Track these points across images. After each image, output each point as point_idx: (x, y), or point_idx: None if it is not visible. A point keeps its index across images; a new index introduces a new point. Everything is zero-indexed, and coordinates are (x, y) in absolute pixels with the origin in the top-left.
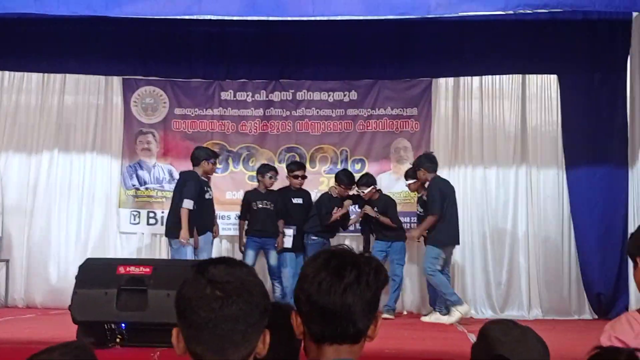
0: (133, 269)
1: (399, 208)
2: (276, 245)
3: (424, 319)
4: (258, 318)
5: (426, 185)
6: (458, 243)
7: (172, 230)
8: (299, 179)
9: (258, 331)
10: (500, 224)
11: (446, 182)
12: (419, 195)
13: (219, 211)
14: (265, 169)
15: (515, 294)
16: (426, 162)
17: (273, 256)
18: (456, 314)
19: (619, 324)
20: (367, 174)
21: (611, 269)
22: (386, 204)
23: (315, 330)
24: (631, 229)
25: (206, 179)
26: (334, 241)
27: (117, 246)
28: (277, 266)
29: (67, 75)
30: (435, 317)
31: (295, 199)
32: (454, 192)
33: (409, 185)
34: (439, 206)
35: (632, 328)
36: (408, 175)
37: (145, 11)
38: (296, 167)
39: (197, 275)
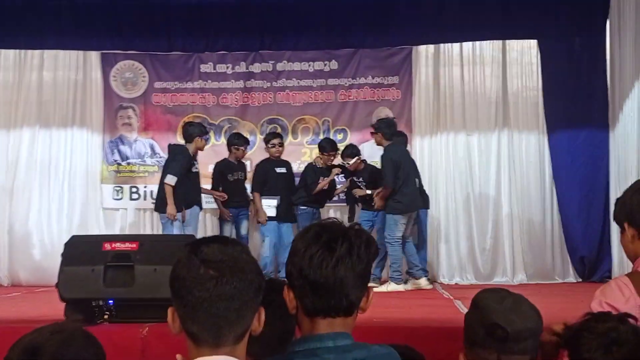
0: (119, 245)
1: None
2: (258, 220)
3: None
4: (252, 296)
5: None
6: (415, 210)
7: (160, 205)
8: (276, 147)
9: (253, 309)
10: (483, 190)
11: (399, 151)
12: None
13: (202, 184)
14: (240, 141)
15: (499, 259)
16: (384, 127)
17: (244, 226)
18: (391, 286)
19: (609, 289)
20: (351, 145)
21: (594, 232)
22: (372, 173)
23: (308, 304)
24: (613, 191)
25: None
26: (323, 211)
27: (100, 222)
28: (247, 236)
29: (45, 51)
30: (412, 283)
31: (279, 169)
32: (409, 159)
33: (349, 165)
34: (392, 178)
35: (623, 293)
36: (346, 154)
37: None
38: (272, 136)
39: (190, 255)
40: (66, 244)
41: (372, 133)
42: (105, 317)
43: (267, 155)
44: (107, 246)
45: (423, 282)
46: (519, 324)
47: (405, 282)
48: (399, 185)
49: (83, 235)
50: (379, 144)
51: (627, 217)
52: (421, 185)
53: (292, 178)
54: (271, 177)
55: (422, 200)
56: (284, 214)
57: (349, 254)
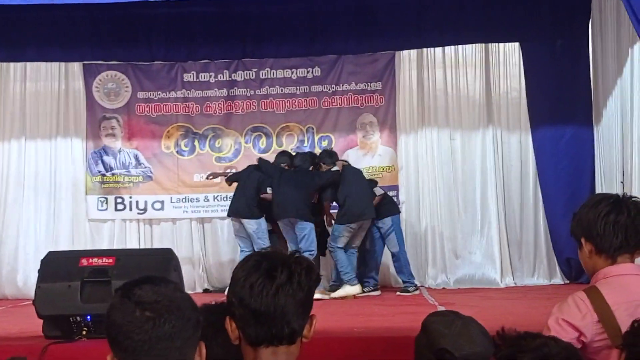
0: (96, 261)
1: None
2: None
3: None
4: (192, 332)
5: None
6: (353, 222)
7: None
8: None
9: (193, 345)
10: (469, 193)
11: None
12: None
13: (186, 194)
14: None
15: (486, 261)
16: (325, 156)
17: None
18: (345, 289)
19: (566, 306)
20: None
21: None
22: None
23: (250, 334)
24: (598, 191)
25: None
26: None
27: (86, 234)
28: None
29: (28, 63)
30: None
31: None
32: (353, 176)
33: None
34: (329, 195)
35: (579, 309)
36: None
37: None
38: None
39: (123, 300)
40: (42, 261)
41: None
42: (84, 333)
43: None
44: (84, 262)
45: (354, 289)
46: (467, 348)
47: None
48: (342, 200)
49: (59, 251)
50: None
51: (584, 232)
52: (385, 195)
53: None
54: None
55: (389, 208)
56: None
57: (289, 281)
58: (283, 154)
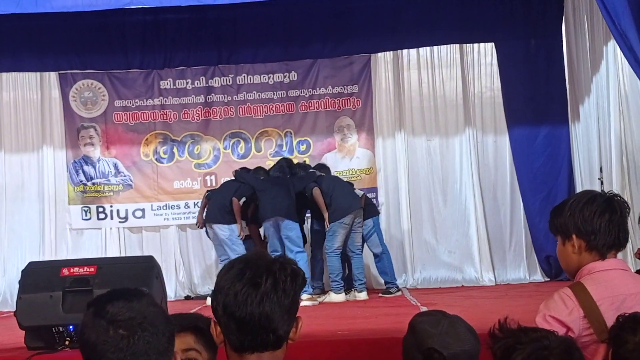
0: (77, 270)
1: None
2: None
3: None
4: (166, 345)
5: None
6: (344, 216)
7: None
8: None
9: (168, 358)
10: (448, 193)
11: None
12: None
13: (167, 201)
14: None
15: (466, 260)
16: (300, 170)
17: None
18: (331, 297)
19: (553, 303)
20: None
21: None
22: None
23: (234, 341)
24: (579, 188)
25: None
26: None
27: (69, 244)
28: None
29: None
30: (352, 295)
31: None
32: (332, 180)
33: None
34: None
35: (566, 305)
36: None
37: (76, 5)
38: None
39: (95, 318)
40: (23, 271)
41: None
42: (67, 343)
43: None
44: (65, 271)
45: (339, 297)
46: (455, 347)
47: (346, 293)
48: (328, 200)
49: (40, 262)
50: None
51: (576, 228)
52: (365, 197)
53: None
54: None
55: (369, 210)
56: None
57: (274, 289)
58: (259, 169)
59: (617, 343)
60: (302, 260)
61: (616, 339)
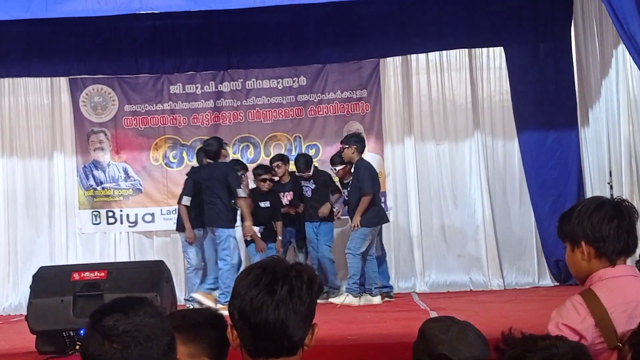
0: (87, 275)
1: None
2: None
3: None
4: (162, 357)
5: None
6: (382, 223)
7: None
8: (267, 182)
9: None
10: (457, 197)
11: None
12: (346, 181)
13: (176, 206)
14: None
15: (475, 264)
16: (357, 142)
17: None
18: (349, 298)
19: (565, 310)
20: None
21: None
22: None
23: (250, 346)
24: (589, 192)
25: None
26: None
27: (78, 248)
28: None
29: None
30: (365, 299)
31: (262, 203)
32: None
33: (337, 172)
34: (371, 185)
35: (578, 312)
36: (335, 161)
37: (86, 10)
38: (263, 170)
39: (92, 332)
40: (34, 276)
41: (343, 148)
42: (77, 347)
43: None
44: (76, 276)
45: (376, 299)
46: (465, 353)
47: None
48: (375, 198)
49: (51, 266)
50: (349, 158)
51: (585, 234)
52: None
53: (277, 208)
54: (256, 209)
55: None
56: (267, 236)
57: (289, 296)
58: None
59: (638, 348)
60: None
61: (636, 344)
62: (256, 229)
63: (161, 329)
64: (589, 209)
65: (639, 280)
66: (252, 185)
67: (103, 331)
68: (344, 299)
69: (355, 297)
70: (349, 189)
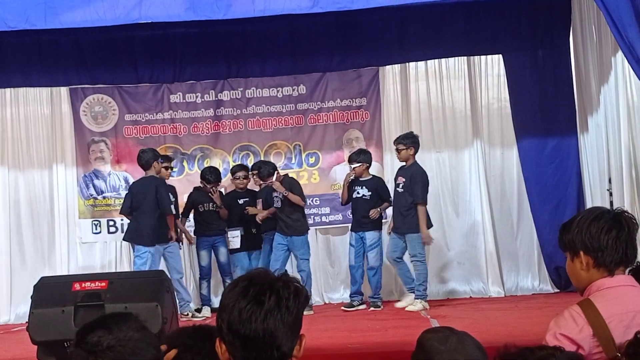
0: (88, 285)
1: None
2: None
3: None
4: None
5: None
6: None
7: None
8: (241, 179)
9: None
10: (457, 204)
11: None
12: (362, 179)
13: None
14: (212, 178)
15: (475, 271)
16: (414, 142)
17: (222, 253)
18: (420, 304)
19: (563, 320)
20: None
21: None
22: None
23: (239, 358)
24: (589, 199)
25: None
26: None
27: (79, 257)
28: (227, 263)
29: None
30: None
31: (241, 200)
32: None
33: (354, 169)
34: (424, 193)
35: (576, 323)
36: (352, 159)
37: (85, 20)
38: (237, 168)
39: (76, 349)
40: (35, 286)
41: (400, 148)
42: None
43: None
44: (77, 286)
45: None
46: None
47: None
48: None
49: (52, 277)
50: (404, 159)
51: (583, 244)
52: None
53: (254, 202)
54: (234, 208)
55: (378, 222)
56: (251, 243)
57: (277, 306)
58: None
59: (634, 358)
60: None
61: (633, 354)
62: (236, 232)
63: (146, 342)
64: (587, 219)
65: (637, 290)
66: (230, 189)
67: (87, 348)
68: (418, 304)
69: (426, 300)
70: (396, 190)
